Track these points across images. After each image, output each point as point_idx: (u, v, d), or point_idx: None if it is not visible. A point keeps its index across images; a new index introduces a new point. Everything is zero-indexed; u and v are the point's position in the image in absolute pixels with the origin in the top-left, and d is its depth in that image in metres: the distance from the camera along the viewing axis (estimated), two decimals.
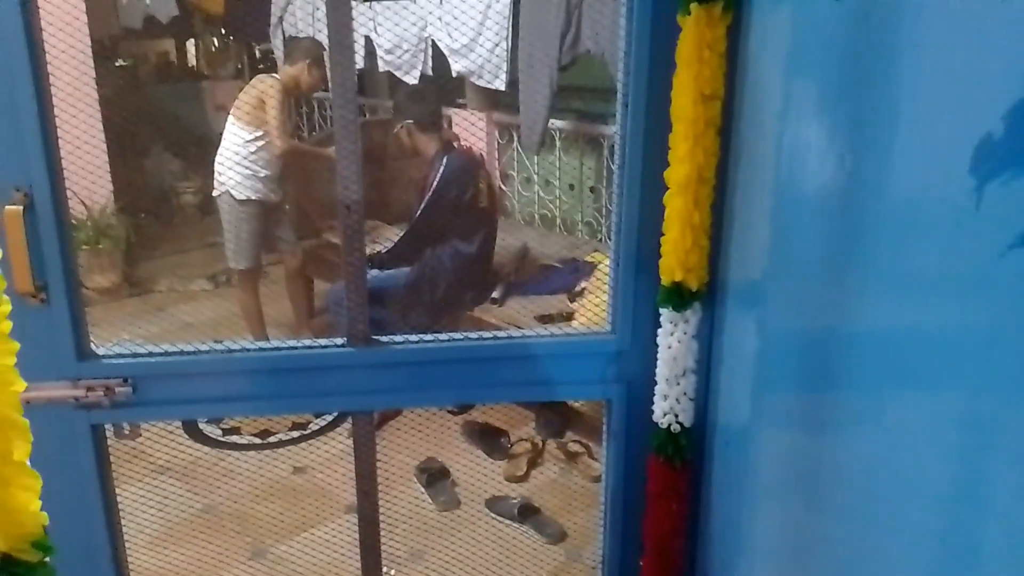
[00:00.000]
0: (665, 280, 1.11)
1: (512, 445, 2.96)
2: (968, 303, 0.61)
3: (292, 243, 3.62)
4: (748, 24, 1.00)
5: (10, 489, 0.52)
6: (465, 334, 1.20)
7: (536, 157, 4.28)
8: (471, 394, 1.23)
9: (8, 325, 0.51)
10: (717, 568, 1.21)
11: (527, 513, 2.55)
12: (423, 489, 2.73)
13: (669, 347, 1.13)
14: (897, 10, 0.69)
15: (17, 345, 0.52)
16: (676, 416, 1.15)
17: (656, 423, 1.17)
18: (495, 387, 1.20)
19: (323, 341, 1.17)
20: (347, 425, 3.24)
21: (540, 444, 2.96)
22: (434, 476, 2.76)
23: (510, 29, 3.79)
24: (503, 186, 4.46)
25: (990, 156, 0.54)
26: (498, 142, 4.50)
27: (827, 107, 0.85)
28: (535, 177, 4.37)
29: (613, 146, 3.74)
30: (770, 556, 1.04)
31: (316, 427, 3.25)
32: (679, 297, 1.10)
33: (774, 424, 1.05)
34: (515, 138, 4.31)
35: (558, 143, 4.16)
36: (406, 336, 1.19)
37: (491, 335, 1.21)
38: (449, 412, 3.29)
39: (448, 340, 1.19)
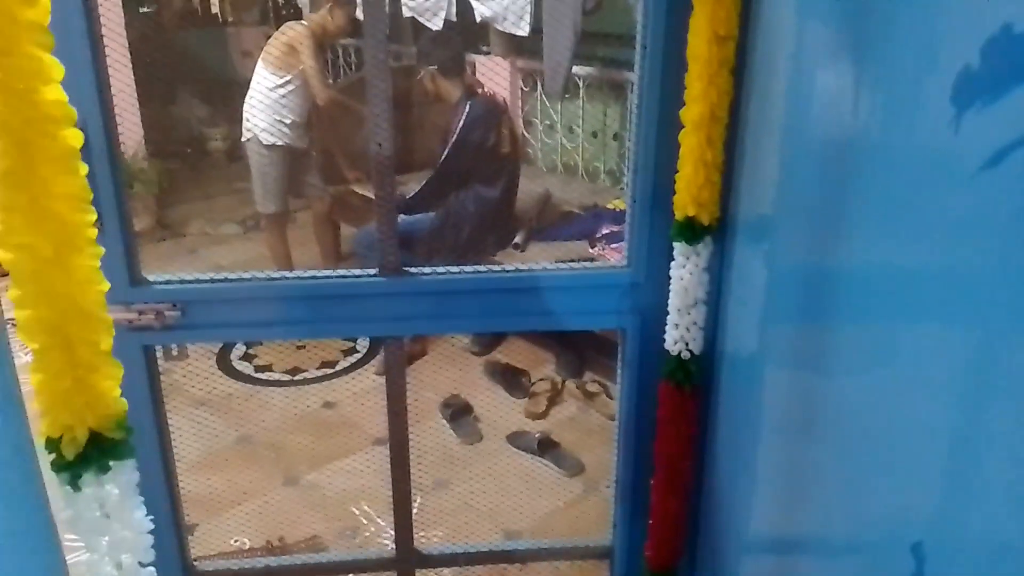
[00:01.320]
0: (678, 215, 1.17)
1: (533, 384, 3.06)
2: (953, 232, 0.66)
3: (319, 188, 3.71)
4: None
5: (97, 376, 0.61)
6: (489, 267, 1.28)
7: (559, 104, 4.29)
8: (494, 323, 1.32)
9: (94, 232, 0.59)
10: (721, 487, 1.29)
11: (546, 447, 2.66)
12: (447, 423, 2.84)
13: (681, 279, 1.20)
14: None
15: (102, 250, 0.60)
16: (687, 344, 1.23)
17: (668, 351, 1.24)
18: (517, 316, 1.28)
19: (357, 272, 1.25)
20: (373, 363, 3.37)
21: (560, 384, 3.06)
22: (458, 411, 2.88)
23: None
24: (526, 133, 4.48)
25: (966, 86, 0.59)
26: (521, 89, 4.50)
27: (834, 50, 0.89)
28: (558, 124, 4.39)
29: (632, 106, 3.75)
30: (770, 477, 1.12)
31: (344, 365, 3.38)
32: (691, 231, 1.16)
33: (778, 354, 1.12)
34: (538, 85, 4.31)
35: (581, 90, 4.15)
36: (433, 268, 1.27)
37: (514, 267, 1.29)
38: (472, 353, 3.40)
39: (473, 272, 1.27)
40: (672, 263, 1.20)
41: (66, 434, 0.61)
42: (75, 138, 0.55)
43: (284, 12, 6.11)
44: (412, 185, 3.32)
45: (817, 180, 0.95)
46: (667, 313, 1.23)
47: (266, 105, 3.30)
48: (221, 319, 1.24)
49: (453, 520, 2.45)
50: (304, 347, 3.53)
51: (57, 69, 0.54)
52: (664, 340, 1.25)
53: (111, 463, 0.64)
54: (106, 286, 0.60)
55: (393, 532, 1.40)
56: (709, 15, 1.04)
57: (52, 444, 0.62)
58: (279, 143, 3.38)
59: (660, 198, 1.22)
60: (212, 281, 1.23)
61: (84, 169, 0.57)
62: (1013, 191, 0.57)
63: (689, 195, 1.14)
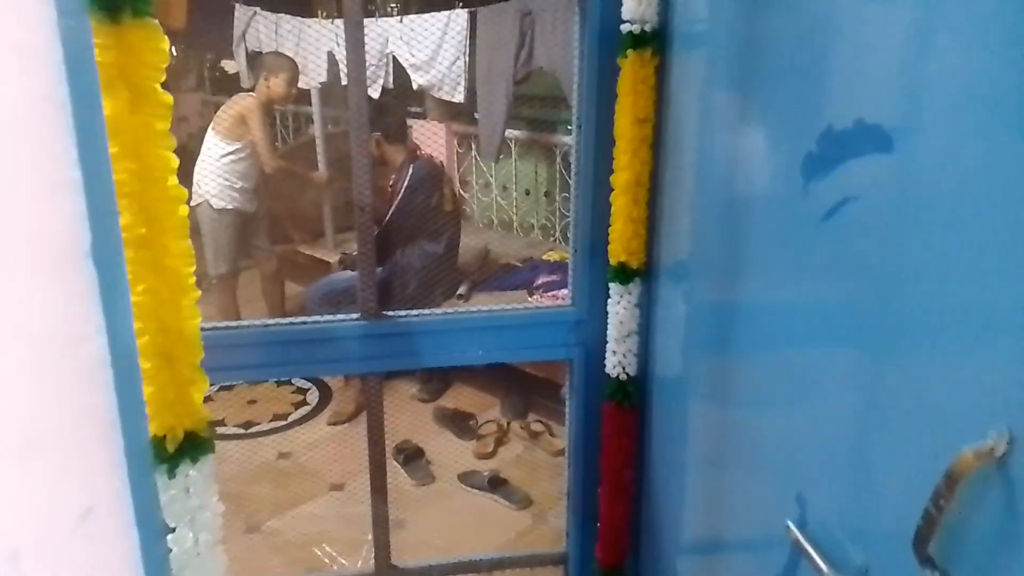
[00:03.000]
0: (613, 261, 1.42)
1: (480, 427, 3.26)
2: (810, 269, 0.92)
3: (267, 249, 3.86)
4: (671, 65, 1.32)
5: (193, 388, 0.81)
6: (456, 309, 1.50)
7: (493, 164, 4.58)
8: (461, 357, 1.52)
9: (193, 279, 0.79)
10: (659, 492, 1.52)
11: (496, 484, 2.85)
12: (400, 467, 3.00)
13: (617, 314, 1.45)
14: (762, 59, 1.02)
15: (199, 292, 0.80)
16: (624, 368, 1.47)
17: (608, 375, 1.49)
18: (481, 350, 1.50)
19: (341, 316, 1.46)
20: (325, 414, 3.51)
21: (505, 425, 3.27)
22: (410, 455, 3.04)
23: (467, 45, 4.09)
24: (463, 192, 4.76)
25: (808, 163, 0.87)
26: (457, 151, 4.79)
27: (726, 131, 1.17)
28: (492, 183, 4.68)
29: (565, 154, 4.08)
30: (695, 481, 1.36)
31: (296, 417, 3.50)
32: (624, 274, 1.42)
33: (696, 374, 1.36)
34: (473, 147, 4.61)
35: (514, 151, 4.46)
36: (408, 311, 1.49)
37: (477, 308, 1.52)
38: (421, 400, 3.57)
39: (443, 313, 1.50)
40: (609, 301, 1.45)
41: (168, 433, 0.80)
42: (185, 213, 0.76)
43: (219, 78, 6.31)
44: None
45: (717, 231, 1.22)
46: (607, 343, 1.48)
47: (217, 172, 3.47)
48: (215, 363, 1.42)
49: (413, 555, 2.60)
50: (255, 402, 3.64)
51: (174, 162, 0.75)
52: (605, 366, 1.49)
53: (200, 456, 0.83)
54: (197, 294, 0.80)
55: (373, 552, 1.56)
56: (631, 103, 1.32)
57: (157, 441, 0.81)
58: (229, 207, 3.54)
59: (597, 248, 1.48)
60: (214, 329, 1.41)
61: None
62: (843, 236, 0.84)
63: (621, 245, 1.41)
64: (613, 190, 1.39)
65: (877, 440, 0.78)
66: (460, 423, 3.30)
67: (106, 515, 0.68)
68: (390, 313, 1.46)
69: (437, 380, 3.63)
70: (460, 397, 3.60)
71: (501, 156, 4.37)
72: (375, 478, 1.55)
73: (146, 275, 0.74)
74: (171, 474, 0.82)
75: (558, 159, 4.24)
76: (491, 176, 4.65)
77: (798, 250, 0.95)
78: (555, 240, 4.30)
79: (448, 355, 1.52)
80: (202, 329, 1.16)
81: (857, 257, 0.82)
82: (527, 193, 4.58)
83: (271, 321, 1.45)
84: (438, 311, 1.49)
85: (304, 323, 1.46)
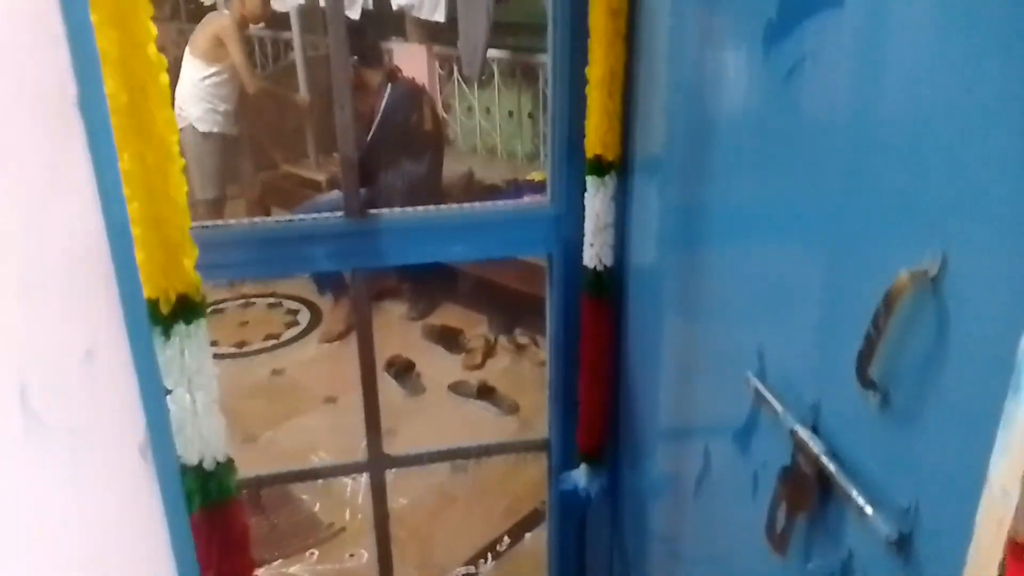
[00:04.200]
0: (589, 155, 1.46)
1: (468, 341, 3.34)
2: (768, 148, 0.96)
3: (251, 175, 3.87)
4: None
5: (182, 253, 0.85)
6: (437, 207, 1.54)
7: (476, 88, 4.55)
8: (444, 253, 1.57)
9: (178, 148, 0.83)
10: (635, 379, 1.59)
11: (484, 392, 2.95)
12: (392, 380, 3.09)
13: (593, 207, 1.49)
14: None
15: (183, 160, 0.83)
16: (600, 260, 1.52)
17: (585, 267, 1.54)
18: (463, 246, 1.55)
19: (326, 214, 1.49)
20: (316, 332, 3.57)
21: (493, 339, 3.35)
22: (401, 369, 3.12)
23: None
24: (446, 116, 4.73)
25: (768, 31, 0.90)
26: (439, 74, 4.74)
27: (699, 22, 1.19)
28: (476, 107, 4.65)
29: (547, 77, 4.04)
30: (667, 364, 1.42)
31: (288, 336, 3.57)
32: (599, 167, 1.46)
33: (669, 265, 1.41)
34: (455, 69, 4.56)
35: (496, 74, 4.43)
36: (390, 209, 1.52)
37: (457, 206, 1.56)
38: (410, 319, 3.64)
39: (424, 211, 1.53)
40: (586, 195, 1.49)
41: (161, 296, 0.85)
42: (166, 81, 0.79)
43: (191, 6, 6.16)
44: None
45: (688, 124, 1.24)
46: (584, 237, 1.53)
47: (199, 95, 3.45)
48: (208, 261, 1.46)
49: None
50: (247, 323, 3.70)
51: (155, 31, 0.78)
52: (583, 259, 1.54)
53: (193, 319, 0.88)
54: (181, 163, 0.83)
55: (364, 434, 1.64)
56: None
57: (151, 304, 0.85)
58: (214, 130, 3.53)
59: (574, 144, 1.50)
60: (202, 227, 1.44)
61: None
62: (802, 98, 0.87)
63: (596, 138, 1.44)
64: (588, 83, 1.42)
65: (825, 282, 0.84)
66: (449, 338, 3.38)
67: (107, 360, 0.73)
68: (373, 211, 1.50)
69: (426, 299, 3.69)
70: (448, 315, 3.68)
71: (484, 77, 4.34)
72: (366, 372, 1.61)
73: (132, 141, 0.77)
74: (167, 335, 0.87)
75: (541, 81, 4.21)
76: (474, 99, 4.62)
77: (760, 123, 0.99)
78: (541, 160, 4.31)
79: (430, 252, 1.56)
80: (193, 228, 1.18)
81: (810, 119, 0.86)
82: (510, 115, 4.56)
83: (257, 220, 1.48)
84: (420, 209, 1.52)
85: (290, 221, 1.50)
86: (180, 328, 0.87)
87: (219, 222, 1.45)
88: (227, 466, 0.97)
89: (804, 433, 0.84)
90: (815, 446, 0.82)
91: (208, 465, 0.95)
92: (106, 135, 0.70)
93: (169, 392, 0.90)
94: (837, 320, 0.82)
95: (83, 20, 0.70)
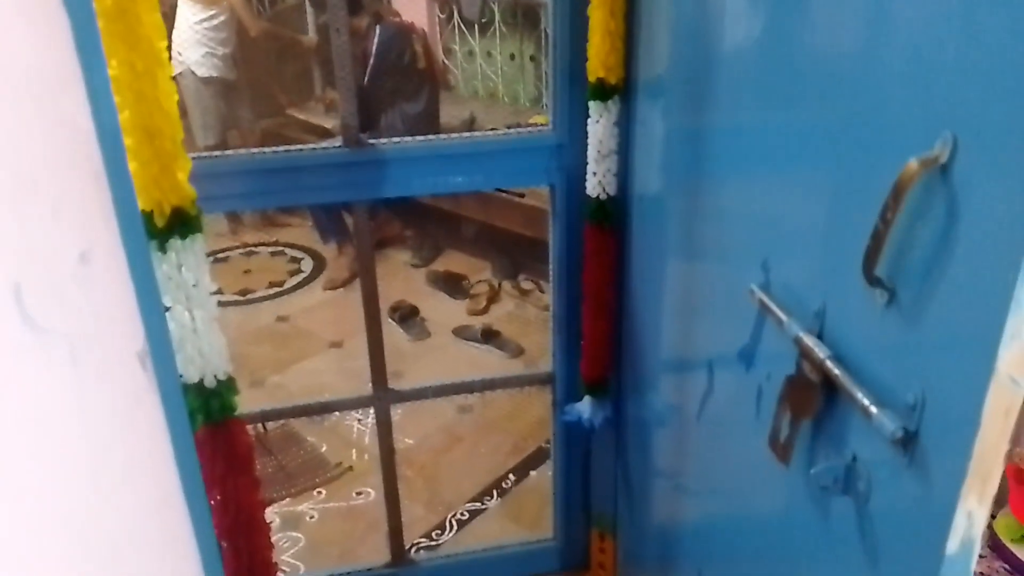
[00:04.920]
0: (591, 78, 1.42)
1: (472, 287, 3.33)
2: (772, 62, 0.93)
3: (251, 122, 3.82)
4: None
5: (175, 165, 0.83)
6: (437, 136, 1.52)
7: (477, 31, 4.46)
8: (444, 184, 1.55)
9: (167, 55, 0.80)
10: (639, 309, 1.58)
11: (489, 336, 2.95)
12: (396, 325, 3.09)
13: (596, 133, 1.46)
14: None
15: (173, 68, 0.81)
16: (604, 188, 1.50)
17: (588, 196, 1.52)
18: (463, 176, 1.53)
19: (324, 143, 1.47)
20: (320, 279, 3.57)
21: (497, 285, 3.34)
22: (406, 314, 3.12)
23: None
24: (447, 60, 4.65)
25: None
26: (439, 17, 4.64)
27: None
28: (477, 51, 4.56)
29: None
30: (673, 280, 1.41)
31: (291, 284, 3.57)
32: (602, 91, 1.42)
33: (674, 192, 1.39)
34: (455, 12, 4.46)
35: (497, 16, 4.33)
36: (390, 139, 1.50)
37: (457, 136, 1.53)
38: (414, 266, 3.63)
39: (424, 140, 1.51)
40: (588, 121, 1.46)
41: (156, 208, 0.84)
42: None
43: None
44: None
45: (693, 43, 1.21)
46: (587, 165, 1.50)
47: (196, 38, 3.39)
48: (204, 192, 1.45)
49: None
50: (250, 272, 3.70)
51: None
52: (586, 189, 1.52)
53: (189, 233, 0.87)
54: (176, 94, 0.82)
55: (370, 374, 1.64)
56: None
57: (146, 216, 0.84)
58: (213, 75, 3.48)
59: (576, 71, 1.47)
60: (196, 158, 1.42)
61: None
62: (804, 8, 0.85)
63: (599, 60, 1.40)
64: (591, 3, 1.38)
65: (831, 185, 0.82)
66: (453, 284, 3.37)
67: (103, 265, 0.72)
68: (372, 141, 1.47)
69: (429, 246, 3.68)
70: (452, 262, 3.66)
71: (484, 20, 4.25)
72: (368, 305, 1.60)
73: (119, 47, 0.75)
74: (162, 249, 0.86)
75: (543, 22, 4.12)
76: (475, 42, 4.53)
77: (769, 29, 0.96)
78: (543, 107, 4.24)
79: (430, 183, 1.54)
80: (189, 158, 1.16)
81: (820, 15, 0.83)
82: (512, 58, 4.47)
83: (255, 150, 1.46)
84: (419, 139, 1.50)
85: (288, 151, 1.48)
86: (176, 242, 0.86)
87: (217, 153, 1.42)
88: (228, 384, 0.97)
89: (809, 340, 0.83)
90: (820, 351, 0.81)
91: (209, 383, 0.94)
92: (93, 35, 0.68)
93: (168, 309, 0.89)
94: (843, 221, 0.81)
95: None
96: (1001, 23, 0.58)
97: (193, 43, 3.42)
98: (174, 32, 3.45)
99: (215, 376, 0.95)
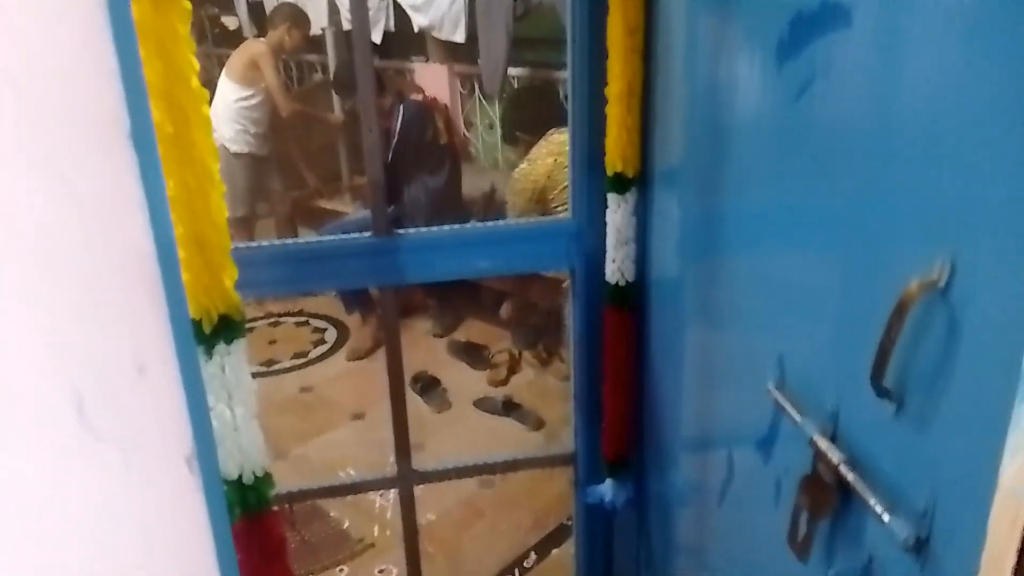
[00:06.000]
0: (609, 171, 1.49)
1: (493, 356, 3.37)
2: (782, 158, 0.99)
3: (280, 194, 3.96)
4: None
5: (224, 274, 0.90)
6: (461, 225, 1.59)
7: (497, 104, 4.60)
8: (468, 269, 1.61)
9: (214, 144, 0.87)
10: (659, 389, 1.62)
11: (510, 407, 2.97)
12: (418, 396, 3.13)
13: (615, 223, 1.52)
14: None
15: (224, 186, 0.88)
16: (623, 274, 1.55)
17: (608, 281, 1.57)
18: (486, 261, 1.59)
19: (354, 234, 1.54)
20: (343, 350, 3.62)
21: (517, 354, 3.38)
22: (427, 384, 3.16)
23: None
24: (467, 133, 4.79)
25: (781, 48, 0.93)
26: (460, 92, 4.80)
27: (713, 40, 1.23)
28: (497, 122, 4.70)
29: (567, 93, 4.08)
30: (691, 364, 1.45)
31: (315, 354, 3.63)
32: (620, 183, 1.49)
33: (689, 277, 1.43)
34: (476, 87, 4.62)
35: (517, 90, 4.47)
36: (416, 228, 1.57)
37: (481, 224, 1.60)
38: (435, 335, 3.68)
39: (449, 229, 1.58)
40: (607, 210, 1.52)
41: (204, 316, 0.89)
42: (208, 112, 0.84)
43: (217, 31, 6.31)
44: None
45: (705, 138, 1.27)
46: (606, 251, 1.56)
47: (232, 116, 3.54)
48: (239, 280, 1.51)
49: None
50: (275, 342, 3.77)
51: (196, 64, 0.83)
52: (605, 273, 1.57)
53: (234, 338, 0.92)
54: (227, 210, 0.88)
55: (392, 447, 1.67)
56: (622, 13, 1.37)
57: (196, 324, 0.90)
58: (245, 151, 3.62)
59: (594, 160, 1.54)
60: (235, 248, 1.50)
61: None
62: (813, 110, 0.90)
63: (616, 154, 1.47)
64: (608, 101, 1.45)
65: (839, 290, 0.86)
66: (474, 354, 3.41)
67: (157, 375, 0.77)
68: (400, 230, 1.54)
69: (450, 315, 3.73)
70: (472, 330, 3.71)
71: (504, 94, 4.39)
72: (394, 384, 1.64)
73: (176, 169, 0.82)
74: (209, 354, 0.91)
75: (560, 96, 4.25)
76: (495, 115, 4.67)
77: (775, 141, 1.02)
78: None
79: (455, 268, 1.60)
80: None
81: (822, 134, 0.89)
82: None
83: (289, 240, 1.53)
84: (445, 227, 1.56)
85: (319, 241, 1.55)
86: (221, 347, 0.91)
87: (251, 243, 1.49)
88: (265, 479, 1.01)
89: (823, 443, 0.86)
90: (834, 456, 0.84)
91: (247, 478, 0.99)
92: (154, 163, 0.75)
93: (210, 408, 0.94)
94: (852, 328, 0.85)
95: (133, 55, 0.75)
96: (998, 153, 0.63)
97: (228, 120, 3.57)
98: (211, 108, 3.60)
99: (253, 472, 0.99)
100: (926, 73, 0.71)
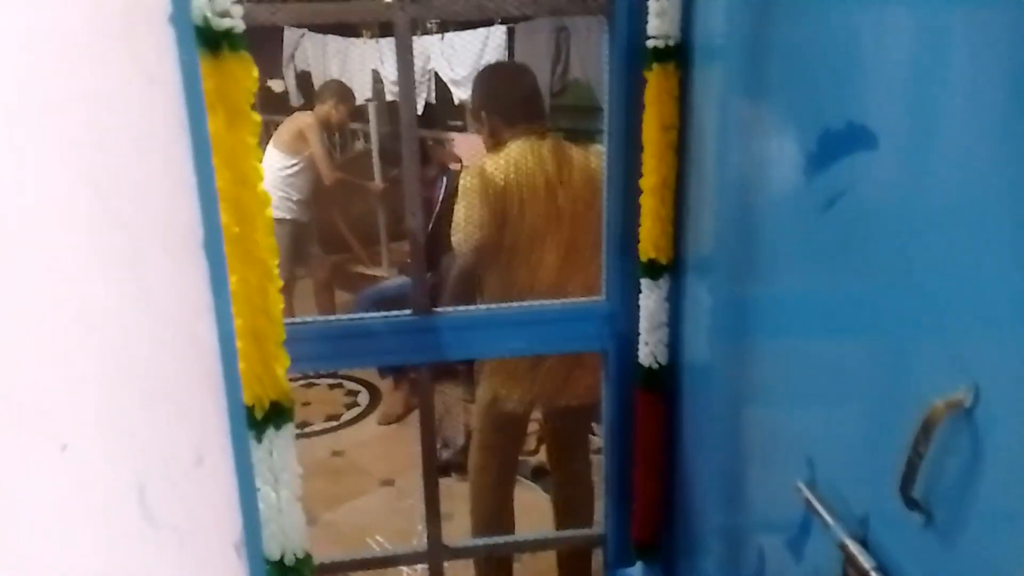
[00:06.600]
0: (643, 257, 1.53)
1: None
2: (815, 257, 1.03)
3: (320, 258, 4.07)
4: (693, 76, 1.44)
5: (276, 364, 0.95)
6: (498, 304, 1.64)
7: None
8: (503, 349, 1.65)
9: (274, 243, 0.94)
10: (691, 473, 1.62)
11: (539, 474, 2.97)
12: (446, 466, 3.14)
13: (648, 307, 1.56)
14: (771, 69, 1.13)
15: (281, 281, 0.94)
16: (655, 357, 1.58)
17: (640, 364, 1.60)
18: (521, 342, 1.63)
19: (395, 312, 1.60)
20: (375, 414, 3.66)
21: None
22: (457, 452, 3.18)
23: (506, 59, 4.24)
24: None
25: (810, 161, 0.98)
26: None
27: (743, 136, 1.28)
28: None
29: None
30: (722, 450, 1.46)
31: (348, 417, 3.67)
32: (653, 269, 1.53)
33: (720, 359, 1.46)
34: None
35: None
36: (455, 308, 1.62)
37: (517, 304, 1.65)
38: (465, 401, 3.71)
39: (486, 308, 1.63)
40: (640, 295, 1.56)
41: (257, 403, 0.94)
42: (270, 215, 0.91)
43: (266, 98, 6.58)
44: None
45: (736, 228, 1.32)
46: (639, 334, 1.59)
47: (276, 183, 3.68)
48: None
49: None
50: (309, 404, 3.82)
51: (262, 172, 0.90)
52: (637, 356, 1.60)
53: (283, 423, 0.97)
54: (283, 303, 0.94)
55: (425, 530, 1.69)
56: (657, 111, 1.44)
57: (249, 410, 0.95)
58: (287, 217, 3.75)
59: (627, 245, 1.59)
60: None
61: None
62: (840, 226, 0.94)
63: (650, 242, 1.52)
64: (642, 192, 1.51)
65: (872, 402, 0.89)
66: None
67: (214, 465, 0.82)
68: (439, 310, 1.59)
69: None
70: None
71: None
72: (427, 461, 1.67)
73: (239, 266, 0.88)
74: (259, 439, 0.96)
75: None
76: None
77: (804, 242, 1.05)
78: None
79: (491, 347, 1.65)
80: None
81: (852, 245, 0.92)
82: None
83: (331, 318, 1.59)
84: (482, 307, 1.62)
85: (362, 319, 1.60)
86: (271, 432, 0.96)
87: (295, 320, 1.55)
88: (305, 561, 1.05)
89: (854, 547, 0.87)
90: (865, 561, 0.85)
91: (289, 560, 1.02)
92: (222, 267, 0.81)
93: (257, 490, 0.98)
94: (881, 434, 0.87)
95: (207, 168, 0.83)
96: (1019, 282, 0.66)
97: (273, 187, 3.72)
98: None
99: (294, 554, 1.02)
100: (952, 198, 0.75)
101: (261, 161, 0.89)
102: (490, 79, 2.50)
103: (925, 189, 0.79)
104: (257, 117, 0.88)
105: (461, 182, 2.22)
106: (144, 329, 0.73)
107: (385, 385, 3.81)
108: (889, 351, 0.85)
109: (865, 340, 0.90)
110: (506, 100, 2.32)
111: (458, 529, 2.73)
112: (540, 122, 2.34)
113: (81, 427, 0.70)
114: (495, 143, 2.29)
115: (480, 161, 2.26)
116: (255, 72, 0.87)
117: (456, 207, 2.21)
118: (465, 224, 2.18)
